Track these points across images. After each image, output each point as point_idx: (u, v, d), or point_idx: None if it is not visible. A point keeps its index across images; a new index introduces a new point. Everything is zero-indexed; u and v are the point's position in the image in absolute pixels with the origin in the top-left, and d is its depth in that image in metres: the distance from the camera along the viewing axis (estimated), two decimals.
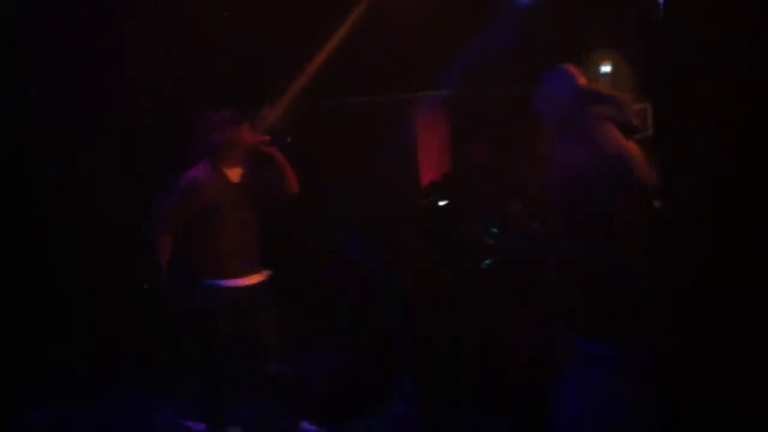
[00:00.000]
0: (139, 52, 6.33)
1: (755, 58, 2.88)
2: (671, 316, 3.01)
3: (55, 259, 5.72)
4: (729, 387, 2.77)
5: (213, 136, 4.88)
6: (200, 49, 6.70)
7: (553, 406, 3.90)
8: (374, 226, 6.80)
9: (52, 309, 5.57)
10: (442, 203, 7.25)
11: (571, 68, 4.54)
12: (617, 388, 3.68)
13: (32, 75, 5.88)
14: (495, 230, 6.15)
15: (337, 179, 7.47)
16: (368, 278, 6.02)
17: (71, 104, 5.92)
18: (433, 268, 6.07)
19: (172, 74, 6.42)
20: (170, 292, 4.75)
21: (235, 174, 4.97)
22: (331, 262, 6.50)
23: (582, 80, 4.31)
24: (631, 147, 4.07)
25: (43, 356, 5.27)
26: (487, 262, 6.18)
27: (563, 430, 3.82)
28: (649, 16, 3.27)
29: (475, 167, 7.86)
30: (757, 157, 2.87)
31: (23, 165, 5.76)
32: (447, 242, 6.26)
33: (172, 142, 6.04)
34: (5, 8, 5.52)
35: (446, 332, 5.31)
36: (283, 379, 4.77)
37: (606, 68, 9.18)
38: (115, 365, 5.43)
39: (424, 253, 6.12)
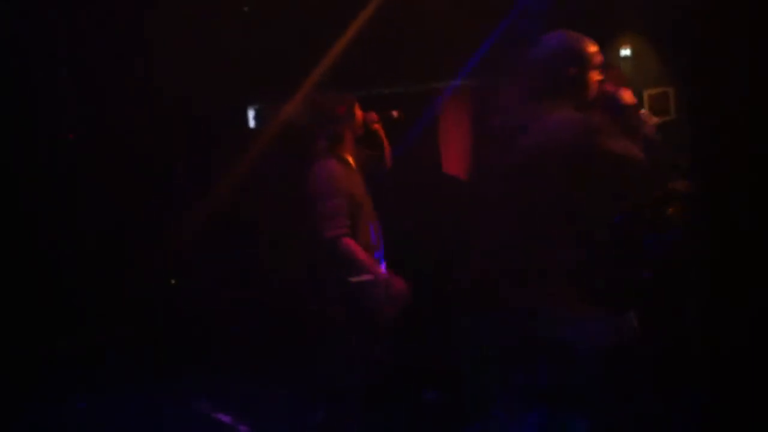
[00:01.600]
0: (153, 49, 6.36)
1: None
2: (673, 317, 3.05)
3: (58, 255, 5.81)
4: (728, 386, 2.80)
5: (336, 123, 4.64)
6: (212, 43, 6.71)
7: None
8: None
9: (58, 305, 5.65)
10: None
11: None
12: None
13: (32, 74, 5.95)
14: None
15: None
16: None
17: (72, 102, 5.97)
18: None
19: (181, 71, 6.46)
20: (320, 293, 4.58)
21: (351, 160, 4.74)
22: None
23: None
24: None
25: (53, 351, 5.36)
26: None
27: None
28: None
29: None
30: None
31: (23, 164, 5.84)
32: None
33: (178, 140, 6.07)
34: (5, 8, 5.59)
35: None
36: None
37: (626, 52, 9.16)
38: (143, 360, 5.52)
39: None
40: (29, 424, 4.69)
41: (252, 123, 8.32)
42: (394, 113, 4.86)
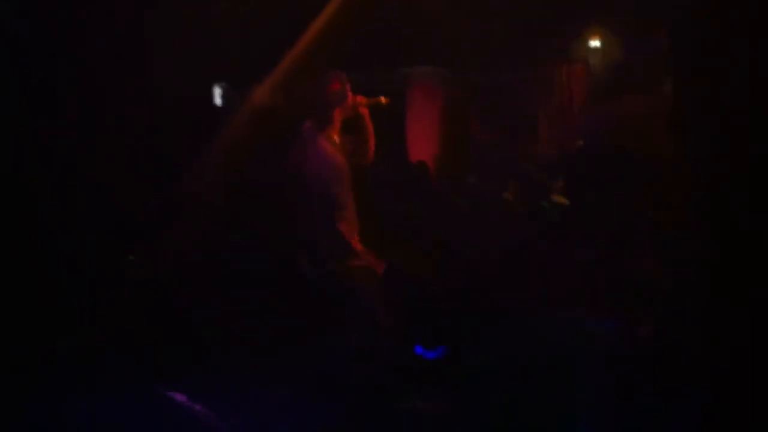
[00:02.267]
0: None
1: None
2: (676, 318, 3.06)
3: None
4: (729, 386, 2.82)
5: (328, 103, 4.61)
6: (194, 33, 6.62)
7: None
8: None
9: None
10: None
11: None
12: None
13: (32, 73, 5.85)
14: None
15: None
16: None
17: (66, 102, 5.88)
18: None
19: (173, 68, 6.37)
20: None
21: (337, 142, 4.69)
22: None
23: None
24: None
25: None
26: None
27: None
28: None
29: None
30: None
31: (21, 163, 5.74)
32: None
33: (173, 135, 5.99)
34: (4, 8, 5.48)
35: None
36: None
37: (595, 44, 9.25)
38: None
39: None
40: (27, 424, 4.59)
41: (220, 104, 8.21)
42: (382, 99, 4.77)
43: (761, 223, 2.83)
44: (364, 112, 4.72)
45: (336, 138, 4.66)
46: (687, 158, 3.08)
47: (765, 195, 2.85)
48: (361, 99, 4.70)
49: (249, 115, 6.81)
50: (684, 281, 3.03)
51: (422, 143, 9.10)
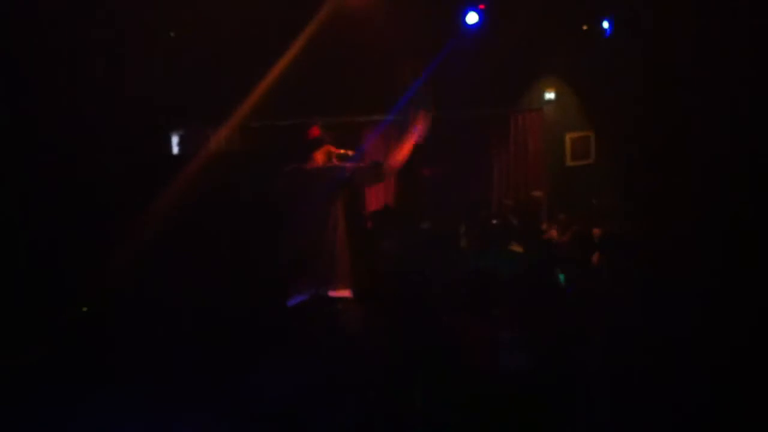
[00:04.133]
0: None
1: None
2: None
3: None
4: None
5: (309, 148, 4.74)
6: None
7: None
8: None
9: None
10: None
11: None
12: None
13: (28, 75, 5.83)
14: None
15: None
16: None
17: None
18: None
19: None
20: None
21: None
22: None
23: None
24: None
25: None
26: None
27: None
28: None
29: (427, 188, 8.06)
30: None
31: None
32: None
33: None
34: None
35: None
36: None
37: (550, 95, 9.45)
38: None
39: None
40: None
41: (176, 148, 8.18)
42: (349, 152, 4.91)
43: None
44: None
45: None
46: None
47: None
48: (333, 149, 4.81)
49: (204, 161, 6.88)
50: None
51: (377, 191, 9.20)
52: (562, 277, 5.51)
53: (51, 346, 5.43)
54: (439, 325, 4.80)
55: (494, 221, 7.66)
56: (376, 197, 9.15)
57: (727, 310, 2.88)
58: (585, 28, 8.52)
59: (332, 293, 4.48)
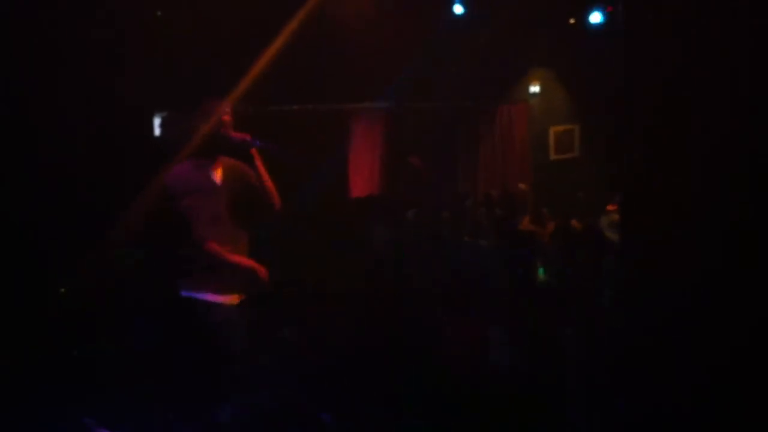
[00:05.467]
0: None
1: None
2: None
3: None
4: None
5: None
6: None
7: None
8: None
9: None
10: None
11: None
12: None
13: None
14: None
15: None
16: None
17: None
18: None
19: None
20: None
21: (217, 174, 4.25)
22: None
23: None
24: None
25: None
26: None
27: None
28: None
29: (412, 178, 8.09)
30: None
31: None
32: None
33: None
34: None
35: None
36: None
37: (535, 88, 9.49)
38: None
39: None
40: None
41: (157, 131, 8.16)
42: (276, 148, 4.41)
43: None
44: (252, 152, 4.31)
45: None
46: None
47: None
48: (244, 136, 4.26)
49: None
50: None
51: (363, 179, 9.22)
52: (541, 271, 5.54)
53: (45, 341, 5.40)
54: (418, 322, 4.80)
55: (478, 212, 7.71)
56: (362, 185, 9.20)
57: (724, 310, 2.92)
58: (572, 21, 8.55)
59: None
